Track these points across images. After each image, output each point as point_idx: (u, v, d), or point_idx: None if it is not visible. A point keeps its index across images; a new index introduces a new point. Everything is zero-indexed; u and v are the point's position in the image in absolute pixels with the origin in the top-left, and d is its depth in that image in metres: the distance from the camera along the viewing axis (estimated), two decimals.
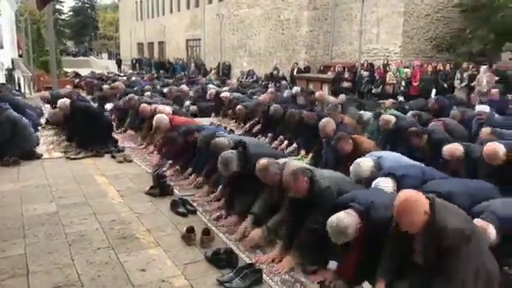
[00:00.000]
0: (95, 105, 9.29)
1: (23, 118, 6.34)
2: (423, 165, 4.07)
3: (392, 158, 4.09)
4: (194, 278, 2.94)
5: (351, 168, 3.86)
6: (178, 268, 3.06)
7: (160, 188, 4.58)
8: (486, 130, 5.29)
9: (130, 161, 6.02)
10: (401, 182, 3.35)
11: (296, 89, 11.13)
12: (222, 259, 3.08)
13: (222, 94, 10.12)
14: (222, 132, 5.31)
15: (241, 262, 3.10)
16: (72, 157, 6.10)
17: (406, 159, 4.17)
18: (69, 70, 23.23)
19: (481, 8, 15.64)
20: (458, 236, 2.34)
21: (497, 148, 3.96)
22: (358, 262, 2.81)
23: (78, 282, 2.85)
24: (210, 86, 12.52)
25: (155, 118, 6.19)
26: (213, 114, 9.80)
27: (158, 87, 12.89)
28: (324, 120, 5.38)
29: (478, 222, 2.66)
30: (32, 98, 13.75)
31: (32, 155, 5.98)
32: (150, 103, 7.60)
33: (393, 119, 5.80)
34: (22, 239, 3.46)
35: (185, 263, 3.13)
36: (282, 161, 3.68)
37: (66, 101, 6.93)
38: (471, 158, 4.18)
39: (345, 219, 2.70)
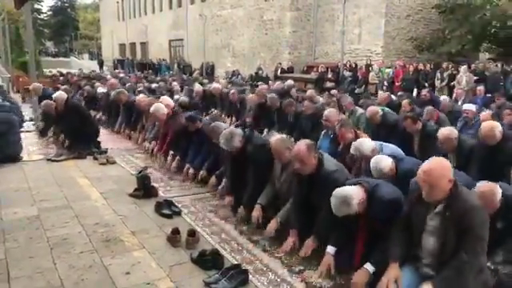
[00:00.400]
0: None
1: (17, 123, 6.29)
2: None
3: (392, 147, 4.21)
4: (180, 280, 2.91)
5: (353, 144, 3.91)
6: (163, 270, 3.03)
7: (144, 190, 4.53)
8: (486, 113, 5.43)
9: (113, 162, 5.94)
10: (399, 164, 3.43)
11: (289, 82, 11.21)
12: (207, 260, 3.06)
13: (213, 86, 10.12)
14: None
15: (227, 263, 3.09)
16: (53, 159, 5.98)
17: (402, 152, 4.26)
18: (53, 70, 22.67)
19: (459, 9, 16.00)
20: (481, 216, 2.33)
21: (494, 125, 4.08)
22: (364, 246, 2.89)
23: (60, 287, 2.79)
24: (196, 84, 12.50)
25: (154, 105, 6.11)
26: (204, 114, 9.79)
27: (146, 84, 12.80)
28: (329, 109, 5.39)
29: (484, 185, 2.63)
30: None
31: (12, 159, 5.84)
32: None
33: (379, 110, 5.82)
34: (1, 244, 3.37)
35: (170, 265, 3.09)
36: None
37: (63, 94, 6.82)
38: (463, 146, 4.26)
39: (350, 190, 2.79)
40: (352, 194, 2.75)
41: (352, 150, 3.92)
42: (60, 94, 6.78)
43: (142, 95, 7.66)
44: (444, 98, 7.23)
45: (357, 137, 4.53)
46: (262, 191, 3.82)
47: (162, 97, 7.24)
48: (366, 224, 2.87)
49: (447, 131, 4.33)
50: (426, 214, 2.50)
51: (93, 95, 10.04)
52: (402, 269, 2.57)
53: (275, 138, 3.70)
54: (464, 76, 11.06)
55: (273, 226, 3.51)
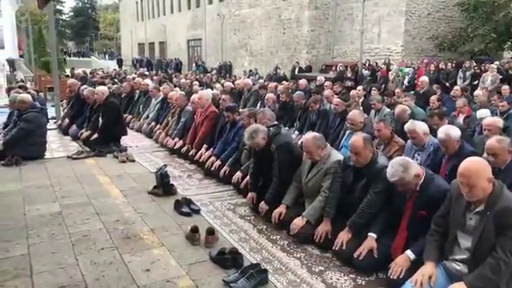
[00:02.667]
0: None
1: (43, 119, 6.36)
2: None
3: None
4: (199, 278, 2.91)
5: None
6: (182, 268, 3.03)
7: (163, 188, 4.56)
8: None
9: (133, 160, 6.00)
10: (463, 144, 3.68)
11: (320, 78, 11.18)
12: (227, 259, 3.05)
13: (239, 81, 10.18)
14: None
15: (246, 262, 3.08)
16: (74, 156, 6.08)
17: None
18: (79, 70, 22.87)
19: (482, 6, 15.62)
20: None
21: None
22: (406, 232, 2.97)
23: (82, 283, 2.82)
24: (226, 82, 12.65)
25: (202, 91, 6.41)
26: None
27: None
28: (354, 111, 5.25)
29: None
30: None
31: (36, 154, 5.95)
32: None
33: (408, 109, 5.64)
34: (25, 239, 3.44)
35: (190, 263, 3.10)
36: None
37: (106, 89, 7.11)
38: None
39: (411, 160, 2.95)
40: (413, 163, 2.89)
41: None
42: (103, 88, 7.09)
43: (173, 92, 7.84)
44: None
45: (392, 136, 4.48)
46: (285, 190, 3.82)
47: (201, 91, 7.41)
48: (411, 211, 2.91)
49: (494, 119, 4.31)
50: (466, 213, 2.47)
51: (118, 94, 10.14)
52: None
53: (308, 135, 3.69)
54: (490, 75, 10.77)
55: (298, 223, 3.49)
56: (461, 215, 2.49)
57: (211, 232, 3.45)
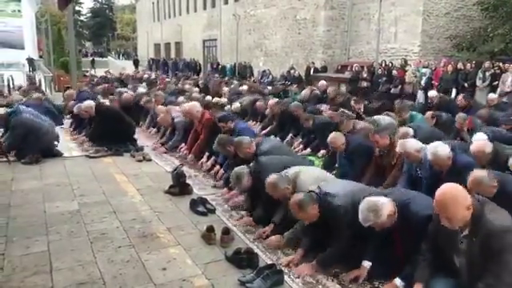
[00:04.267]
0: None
1: (36, 120, 6.08)
2: None
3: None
4: (215, 277, 2.93)
5: (400, 142, 3.85)
6: (198, 267, 3.05)
7: (179, 187, 4.60)
8: None
9: (150, 160, 6.06)
10: (457, 157, 3.66)
11: (322, 83, 11.17)
12: (243, 259, 3.06)
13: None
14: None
15: (262, 263, 3.08)
16: (92, 155, 6.17)
17: None
18: (102, 71, 22.92)
19: (502, 6, 15.31)
20: (510, 239, 2.21)
21: None
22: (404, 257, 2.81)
23: (100, 280, 2.87)
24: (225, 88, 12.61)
25: (188, 105, 6.37)
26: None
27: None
28: (332, 135, 5.00)
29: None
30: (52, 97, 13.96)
31: (52, 152, 6.04)
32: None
33: (410, 130, 5.16)
34: (44, 236, 3.51)
35: (205, 263, 3.12)
36: (293, 170, 3.63)
37: (91, 104, 6.86)
38: (499, 157, 3.92)
39: (381, 200, 2.74)
40: (383, 204, 2.69)
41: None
42: (87, 103, 6.87)
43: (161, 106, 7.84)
44: (481, 111, 6.65)
45: (392, 143, 4.42)
46: (271, 215, 3.65)
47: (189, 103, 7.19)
48: (400, 237, 2.79)
49: (481, 144, 4.02)
50: (457, 236, 2.39)
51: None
52: (440, 280, 2.51)
53: (269, 181, 3.45)
54: (510, 76, 10.52)
55: (276, 240, 3.39)
56: (453, 237, 2.41)
57: (227, 232, 3.47)
